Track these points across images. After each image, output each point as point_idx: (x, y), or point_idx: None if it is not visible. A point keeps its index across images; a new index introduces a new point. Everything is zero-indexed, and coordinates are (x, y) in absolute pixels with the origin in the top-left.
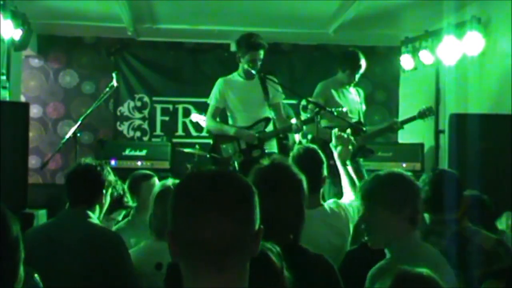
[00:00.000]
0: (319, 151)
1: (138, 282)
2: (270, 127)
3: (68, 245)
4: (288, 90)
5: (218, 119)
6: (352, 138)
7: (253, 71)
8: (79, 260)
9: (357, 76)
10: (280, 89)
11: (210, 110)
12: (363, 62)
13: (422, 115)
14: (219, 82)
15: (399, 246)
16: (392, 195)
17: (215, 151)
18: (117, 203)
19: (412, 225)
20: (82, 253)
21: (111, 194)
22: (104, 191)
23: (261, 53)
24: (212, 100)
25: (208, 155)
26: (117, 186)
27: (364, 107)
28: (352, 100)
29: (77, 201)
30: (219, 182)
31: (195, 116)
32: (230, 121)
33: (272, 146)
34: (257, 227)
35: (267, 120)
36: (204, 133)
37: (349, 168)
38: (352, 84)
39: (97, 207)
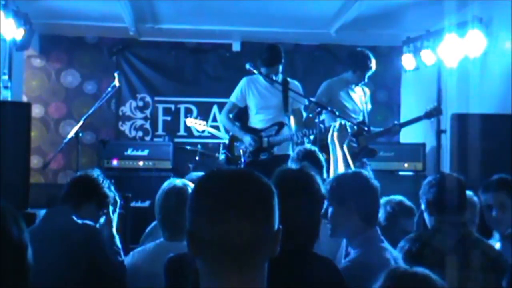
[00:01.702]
0: (319, 153)
1: (119, 271)
2: (285, 131)
3: (45, 242)
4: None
5: (231, 116)
6: (348, 125)
7: (275, 78)
8: (56, 256)
9: (367, 76)
10: (301, 94)
11: (227, 105)
12: (373, 62)
13: (429, 115)
14: (243, 80)
15: (362, 241)
16: (356, 191)
17: (229, 148)
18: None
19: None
20: (59, 249)
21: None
22: (96, 194)
23: (278, 67)
24: (232, 97)
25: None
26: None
27: (369, 106)
28: (358, 100)
29: (64, 200)
30: (238, 182)
31: (190, 121)
32: (249, 120)
33: (286, 150)
34: (276, 227)
35: (280, 124)
36: (206, 133)
37: (346, 151)
38: (361, 84)
39: (88, 209)
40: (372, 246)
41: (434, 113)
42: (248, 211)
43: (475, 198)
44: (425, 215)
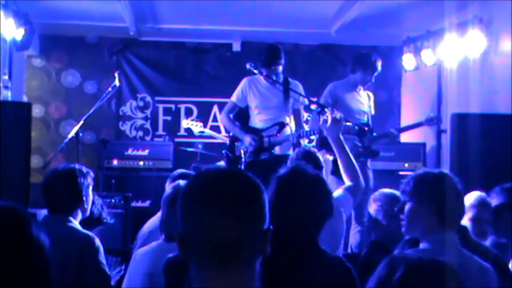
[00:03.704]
0: (318, 154)
1: (109, 281)
2: (286, 131)
3: None
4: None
5: (232, 116)
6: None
7: (275, 79)
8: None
9: (373, 78)
10: (301, 94)
11: (227, 106)
12: (380, 63)
13: (429, 122)
14: (243, 81)
15: (435, 240)
16: (439, 191)
17: (230, 148)
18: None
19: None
20: (54, 255)
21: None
22: (83, 195)
23: (278, 68)
24: (233, 97)
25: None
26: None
27: (373, 110)
28: (362, 102)
29: (57, 209)
30: (223, 181)
31: (186, 122)
32: (250, 120)
33: (286, 149)
34: (265, 225)
35: (282, 124)
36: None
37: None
38: (366, 86)
39: (79, 212)
40: (446, 246)
41: (434, 121)
42: (232, 210)
43: (488, 199)
44: None
